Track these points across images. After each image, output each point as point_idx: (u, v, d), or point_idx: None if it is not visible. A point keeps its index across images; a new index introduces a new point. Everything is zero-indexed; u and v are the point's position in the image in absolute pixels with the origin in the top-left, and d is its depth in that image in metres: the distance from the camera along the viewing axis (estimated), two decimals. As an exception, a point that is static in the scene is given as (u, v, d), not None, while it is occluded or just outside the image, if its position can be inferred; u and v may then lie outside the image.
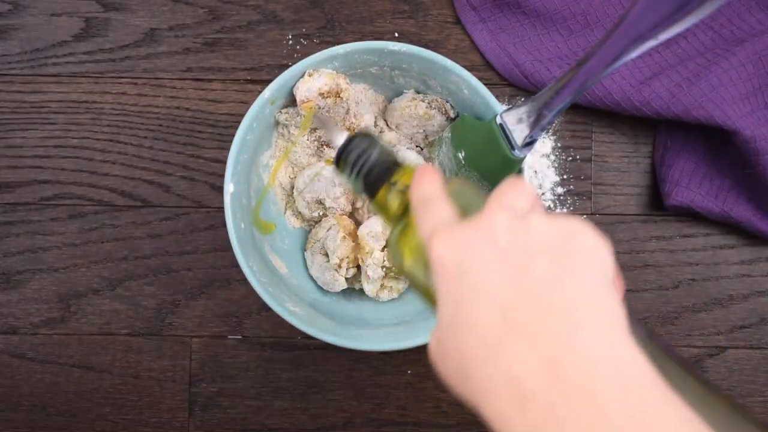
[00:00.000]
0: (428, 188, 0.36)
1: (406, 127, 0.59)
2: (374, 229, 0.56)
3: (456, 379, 0.31)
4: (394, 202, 0.40)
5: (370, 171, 0.41)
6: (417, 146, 0.61)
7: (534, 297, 0.29)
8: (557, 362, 0.27)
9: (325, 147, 0.59)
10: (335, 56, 0.54)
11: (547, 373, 0.27)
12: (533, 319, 0.28)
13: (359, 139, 0.42)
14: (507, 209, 0.32)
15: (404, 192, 0.40)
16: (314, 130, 0.58)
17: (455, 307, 0.31)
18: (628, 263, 0.64)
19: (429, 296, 0.36)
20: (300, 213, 0.60)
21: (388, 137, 0.59)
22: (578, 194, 0.64)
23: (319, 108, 0.56)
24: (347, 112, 0.58)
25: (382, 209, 0.41)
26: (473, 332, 0.29)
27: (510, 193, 0.33)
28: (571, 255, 0.29)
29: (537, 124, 0.49)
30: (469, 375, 0.30)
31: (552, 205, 0.64)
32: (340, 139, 0.43)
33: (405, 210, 0.39)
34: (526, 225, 0.31)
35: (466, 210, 0.35)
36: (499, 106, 0.54)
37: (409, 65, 0.56)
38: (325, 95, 0.55)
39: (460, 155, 0.56)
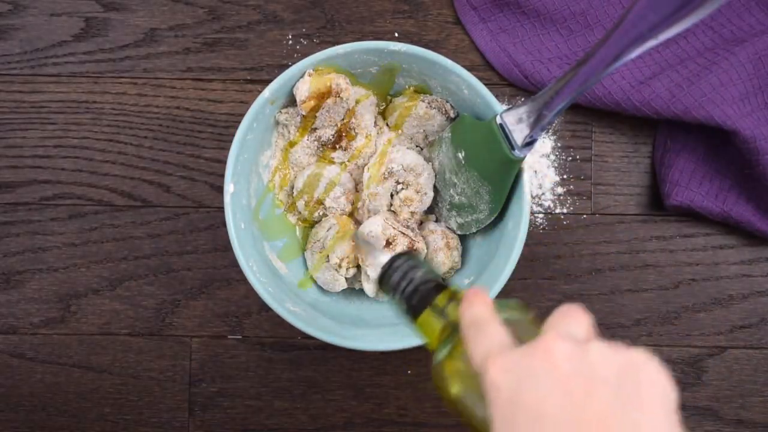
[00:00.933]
0: (480, 310, 0.35)
1: (406, 127, 0.59)
2: (374, 229, 0.57)
3: None
4: (438, 325, 0.39)
5: (414, 293, 0.40)
6: (417, 146, 0.61)
7: (595, 429, 0.28)
8: None
9: (324, 147, 0.59)
10: (335, 56, 0.54)
11: None
12: None
13: (402, 259, 0.41)
14: (566, 336, 0.31)
15: (449, 315, 0.39)
16: (314, 130, 0.58)
17: None
18: (628, 263, 0.64)
19: (478, 425, 0.35)
20: (300, 213, 0.60)
21: (388, 137, 0.59)
22: (578, 194, 0.64)
23: (325, 109, 0.56)
24: (347, 112, 0.58)
25: (426, 332, 0.40)
26: None
27: (567, 320, 0.33)
28: (635, 388, 0.29)
29: (537, 124, 0.49)
30: None
31: (552, 205, 0.64)
32: (383, 259, 0.43)
33: (449, 334, 0.38)
34: (587, 353, 0.30)
35: (519, 334, 0.34)
36: (499, 106, 0.54)
37: (409, 65, 0.56)
38: (325, 95, 0.55)
39: (460, 155, 0.56)
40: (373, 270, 0.57)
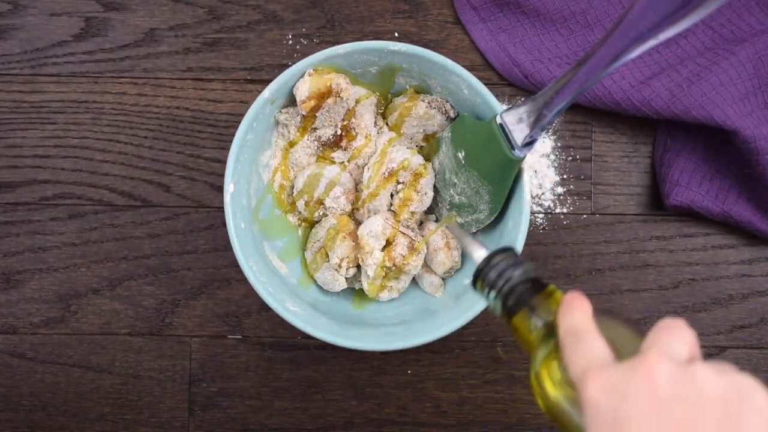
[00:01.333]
0: (579, 318, 0.34)
1: (406, 127, 0.59)
2: (374, 229, 0.56)
3: None
4: (534, 327, 0.38)
5: (511, 292, 0.39)
6: (417, 146, 0.61)
7: None
8: None
9: (324, 147, 0.59)
10: (335, 56, 0.54)
11: None
12: None
13: (501, 256, 0.40)
14: (669, 355, 0.30)
15: (546, 317, 0.38)
16: (314, 130, 0.58)
17: None
18: (628, 263, 0.64)
19: (570, 430, 0.34)
20: (300, 213, 0.60)
21: (388, 137, 0.59)
22: (578, 194, 0.64)
23: (327, 108, 0.56)
24: (347, 112, 0.58)
25: (521, 333, 0.39)
26: None
27: (670, 337, 0.32)
28: (741, 416, 0.28)
29: (537, 124, 0.49)
30: None
31: (552, 205, 0.64)
32: (479, 254, 0.41)
33: (545, 336, 0.37)
34: (691, 376, 0.29)
35: (618, 345, 0.34)
36: (499, 106, 0.54)
37: (409, 65, 0.56)
38: (325, 95, 0.55)
39: (460, 155, 0.56)
40: (373, 270, 0.57)
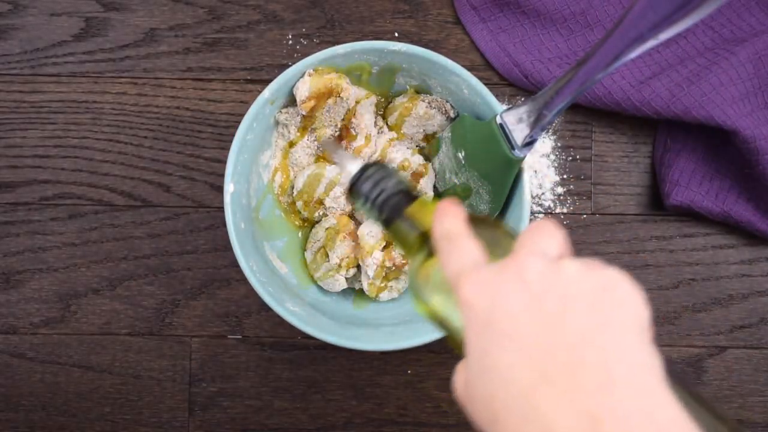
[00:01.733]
0: (452, 223, 0.35)
1: (406, 127, 0.59)
2: (374, 229, 0.56)
3: (484, 422, 0.30)
4: (410, 234, 0.39)
5: (385, 203, 0.40)
6: (417, 146, 0.61)
7: (568, 348, 0.28)
8: (599, 420, 0.26)
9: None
10: (335, 56, 0.54)
11: (590, 429, 0.27)
12: (568, 372, 0.28)
13: (374, 168, 0.41)
14: (539, 253, 0.31)
15: (421, 223, 0.38)
16: (314, 130, 0.58)
17: (484, 352, 0.30)
18: (628, 263, 0.64)
19: (450, 331, 0.35)
20: (300, 213, 0.60)
21: (388, 137, 0.59)
22: (578, 194, 0.64)
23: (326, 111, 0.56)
24: (347, 112, 0.58)
25: (398, 239, 0.40)
26: (502, 380, 0.29)
27: (540, 236, 0.32)
28: (607, 306, 0.29)
29: (537, 124, 0.49)
30: (498, 420, 0.29)
31: (552, 205, 0.64)
32: (353, 167, 0.42)
33: (422, 241, 0.38)
34: (560, 271, 0.30)
35: (491, 248, 0.34)
36: (499, 106, 0.54)
37: (409, 65, 0.56)
38: (325, 95, 0.55)
39: (460, 155, 0.56)
40: (373, 270, 0.57)
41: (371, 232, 0.56)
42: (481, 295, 0.31)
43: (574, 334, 0.28)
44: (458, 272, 0.32)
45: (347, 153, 0.48)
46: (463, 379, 0.32)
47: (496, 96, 0.64)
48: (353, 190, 0.41)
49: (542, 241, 0.32)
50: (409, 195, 0.40)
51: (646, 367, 0.28)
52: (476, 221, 0.36)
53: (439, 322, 0.36)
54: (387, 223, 0.40)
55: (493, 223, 0.37)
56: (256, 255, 0.57)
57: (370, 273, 0.57)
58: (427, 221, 0.38)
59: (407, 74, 0.58)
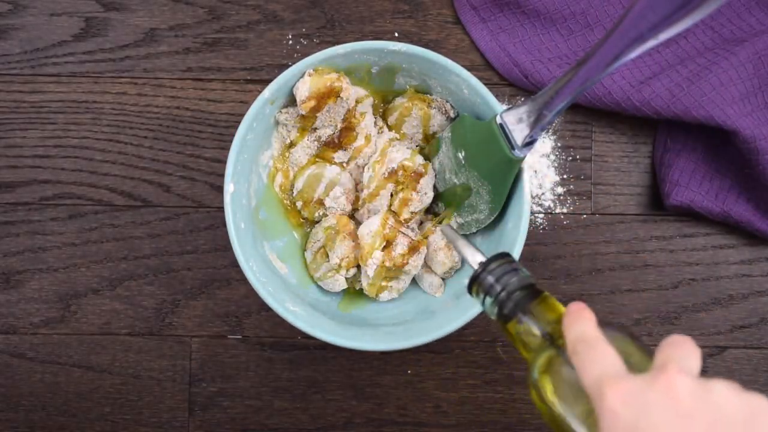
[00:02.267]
0: (587, 327, 0.35)
1: (406, 127, 0.59)
2: (374, 228, 0.56)
3: None
4: (532, 335, 0.38)
5: (508, 298, 0.39)
6: (417, 146, 0.61)
7: None
8: None
9: (325, 147, 0.59)
10: (335, 56, 0.54)
11: None
12: None
13: (497, 262, 0.40)
14: (687, 371, 0.31)
15: (546, 321, 0.38)
16: (314, 129, 0.58)
17: None
18: (628, 263, 0.64)
19: None
20: (300, 213, 0.60)
21: (388, 137, 0.59)
22: (578, 194, 0.64)
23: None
24: (347, 112, 0.58)
25: (516, 339, 0.39)
26: None
27: (683, 352, 0.32)
28: None
29: (537, 124, 0.49)
30: None
31: (552, 205, 0.64)
32: (475, 259, 0.41)
33: (543, 344, 0.37)
34: (710, 394, 0.30)
35: (624, 356, 0.34)
36: (499, 106, 0.54)
37: (409, 65, 0.56)
38: (326, 95, 0.55)
39: (460, 155, 0.56)
40: (372, 270, 0.57)
41: (371, 232, 0.56)
42: (627, 407, 0.30)
43: None
44: (599, 378, 0.32)
45: (469, 243, 0.47)
46: None
47: (496, 96, 0.64)
48: (475, 283, 0.40)
49: (688, 358, 0.32)
50: (532, 291, 0.39)
51: None
52: (606, 326, 0.36)
53: (557, 424, 0.35)
54: (507, 319, 0.39)
55: (623, 330, 0.37)
56: (256, 255, 0.57)
57: (370, 273, 0.57)
58: (551, 318, 0.38)
59: (407, 74, 0.58)
